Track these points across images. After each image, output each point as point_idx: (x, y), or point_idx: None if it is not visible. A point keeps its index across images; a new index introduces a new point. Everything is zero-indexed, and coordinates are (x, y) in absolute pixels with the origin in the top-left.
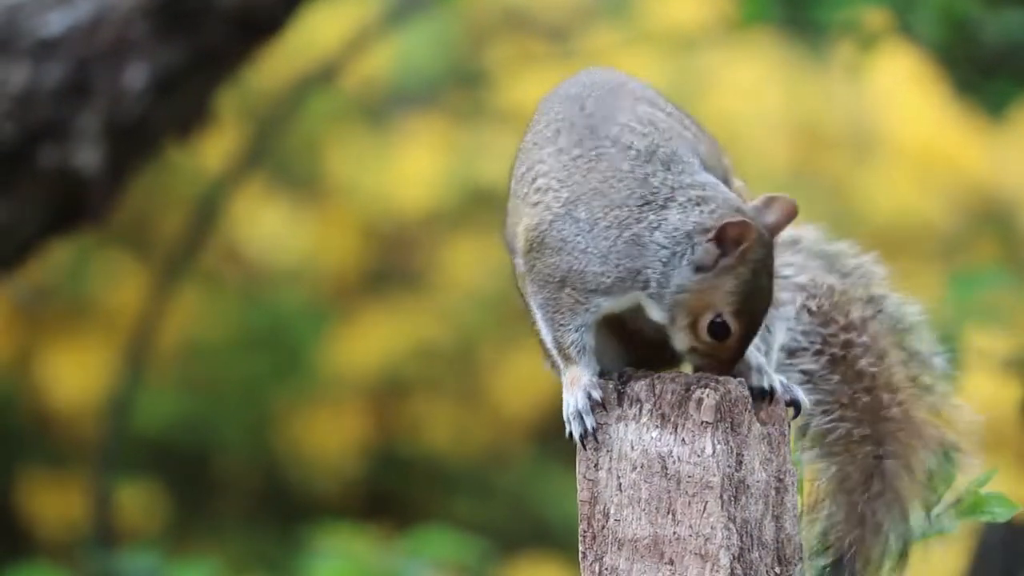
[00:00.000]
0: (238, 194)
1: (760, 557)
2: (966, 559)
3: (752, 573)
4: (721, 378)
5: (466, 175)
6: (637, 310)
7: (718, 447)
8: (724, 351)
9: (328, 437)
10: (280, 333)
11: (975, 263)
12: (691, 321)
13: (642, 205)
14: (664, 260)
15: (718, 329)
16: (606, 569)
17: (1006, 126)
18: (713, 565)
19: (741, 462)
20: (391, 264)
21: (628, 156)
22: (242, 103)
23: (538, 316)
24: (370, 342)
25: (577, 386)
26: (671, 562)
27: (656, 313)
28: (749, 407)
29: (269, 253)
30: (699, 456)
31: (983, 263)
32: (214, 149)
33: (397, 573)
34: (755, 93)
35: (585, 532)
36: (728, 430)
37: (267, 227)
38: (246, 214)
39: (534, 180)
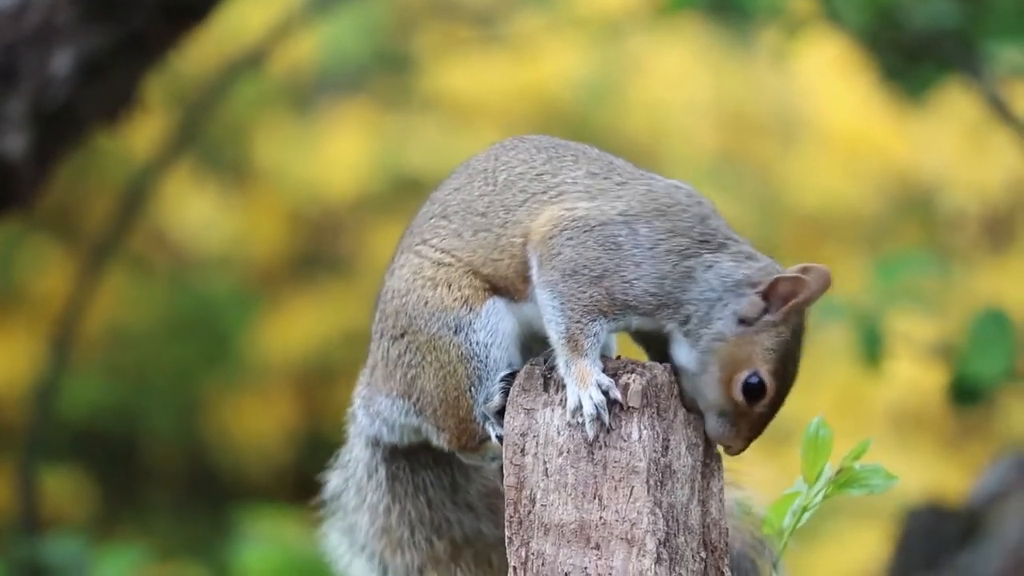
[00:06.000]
0: (165, 180)
1: (686, 542)
2: (889, 545)
3: (678, 558)
4: (647, 363)
5: (393, 161)
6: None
7: (644, 432)
8: (750, 419)
9: (256, 423)
10: (208, 319)
11: (900, 248)
12: (726, 375)
13: (701, 242)
14: (710, 302)
15: (754, 389)
16: (532, 554)
17: (929, 112)
18: (639, 550)
19: (667, 447)
20: (318, 250)
21: (681, 192)
22: (169, 89)
23: (553, 304)
24: (298, 328)
25: (589, 383)
26: (597, 547)
27: (684, 354)
28: (675, 392)
29: (197, 239)
30: (625, 441)
31: (908, 248)
32: (141, 135)
33: (325, 558)
34: (681, 79)
35: (511, 517)
36: (654, 415)
37: (194, 213)
38: (174, 200)
39: (559, 196)
